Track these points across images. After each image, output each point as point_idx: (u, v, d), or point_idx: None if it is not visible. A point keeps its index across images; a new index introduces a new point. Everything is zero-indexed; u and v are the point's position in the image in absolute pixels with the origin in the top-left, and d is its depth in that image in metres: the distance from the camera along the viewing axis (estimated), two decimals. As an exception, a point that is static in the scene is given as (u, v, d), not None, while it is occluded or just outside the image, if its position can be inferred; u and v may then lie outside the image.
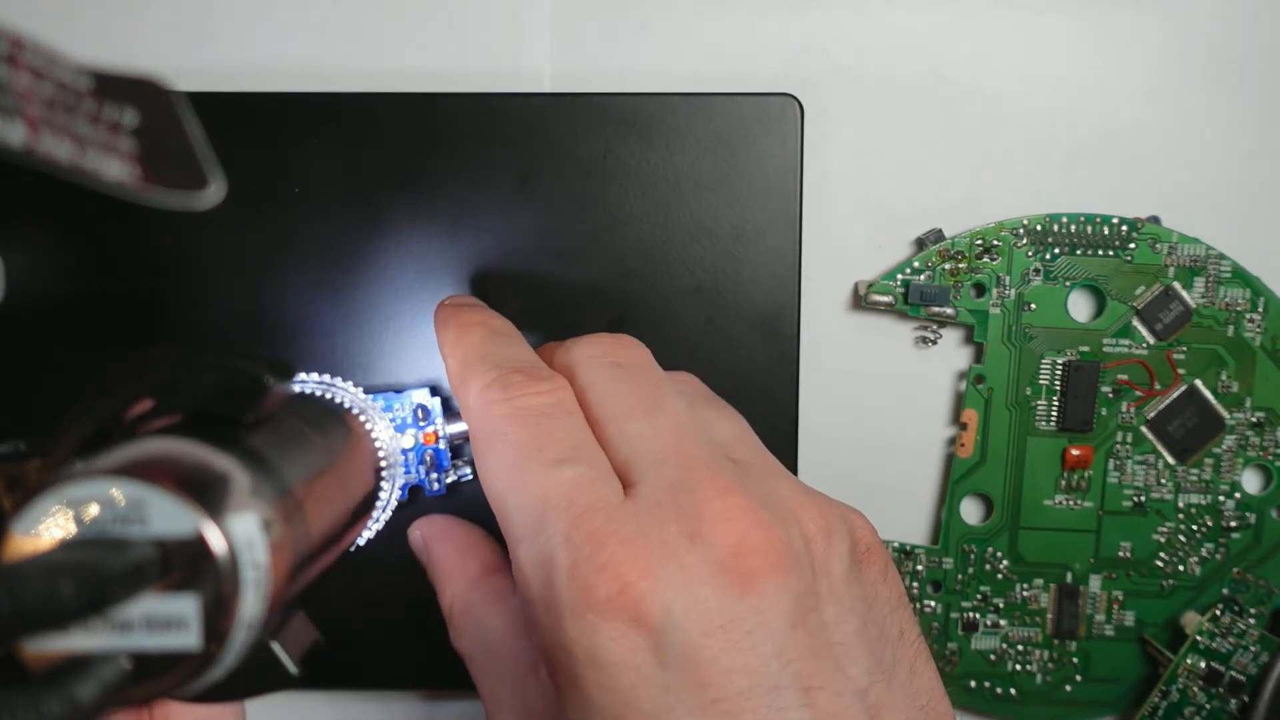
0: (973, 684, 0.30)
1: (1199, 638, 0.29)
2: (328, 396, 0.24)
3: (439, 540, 0.24)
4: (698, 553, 0.17)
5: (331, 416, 0.22)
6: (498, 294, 0.27)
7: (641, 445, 0.18)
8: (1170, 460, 0.29)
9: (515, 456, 0.18)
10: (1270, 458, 0.29)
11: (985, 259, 0.28)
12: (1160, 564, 0.30)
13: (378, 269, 0.27)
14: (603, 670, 0.16)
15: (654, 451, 0.18)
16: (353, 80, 0.29)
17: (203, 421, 0.17)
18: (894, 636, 0.18)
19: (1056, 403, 0.29)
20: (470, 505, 0.27)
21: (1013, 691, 0.30)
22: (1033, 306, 0.28)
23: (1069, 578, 0.30)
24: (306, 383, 0.25)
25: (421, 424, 0.26)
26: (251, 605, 0.15)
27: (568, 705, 0.17)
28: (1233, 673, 0.29)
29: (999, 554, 0.30)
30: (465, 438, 0.27)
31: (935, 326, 0.29)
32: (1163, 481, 0.29)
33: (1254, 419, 0.29)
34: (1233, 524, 0.29)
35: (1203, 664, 0.29)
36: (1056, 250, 0.28)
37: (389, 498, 0.24)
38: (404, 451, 0.26)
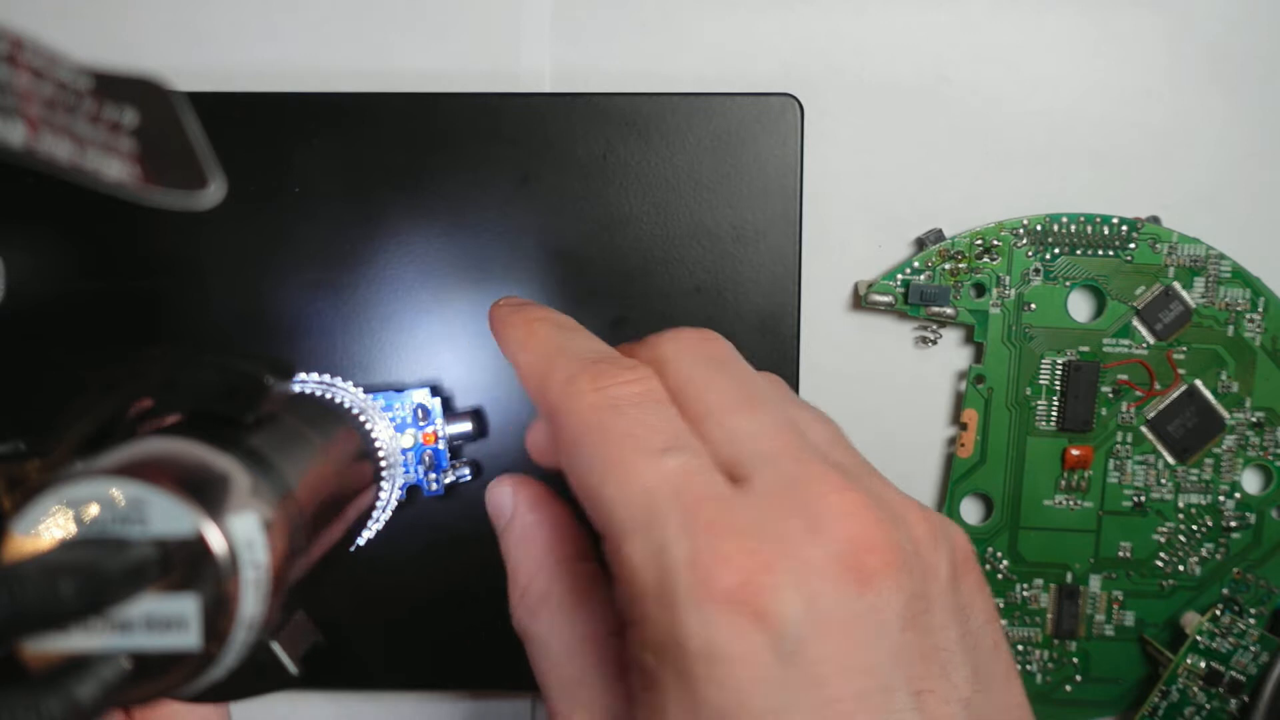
0: (973, 684, 0.30)
1: (1199, 638, 0.29)
2: (328, 396, 0.24)
3: (533, 508, 0.22)
4: (818, 548, 0.16)
5: (331, 416, 0.22)
6: (498, 294, 0.27)
7: (749, 440, 0.18)
8: (1170, 460, 0.29)
9: (613, 448, 0.17)
10: (1270, 458, 0.29)
11: (985, 259, 0.28)
12: (1160, 564, 0.30)
13: (378, 269, 0.27)
14: (718, 665, 0.16)
15: (762, 447, 0.18)
16: (353, 80, 0.29)
17: (203, 421, 0.17)
18: (988, 648, 0.18)
19: (1056, 403, 0.29)
20: (469, 506, 0.27)
21: (1013, 691, 0.30)
22: (1033, 306, 0.28)
23: (1069, 578, 0.30)
24: (306, 383, 0.25)
25: (421, 424, 0.26)
26: (251, 605, 0.15)
27: (669, 705, 0.16)
28: (1232, 673, 0.29)
29: (999, 554, 0.29)
30: (465, 438, 0.27)
31: (935, 326, 0.29)
32: (1163, 481, 0.29)
33: (1254, 419, 0.29)
34: (1232, 524, 0.29)
35: (1202, 664, 0.29)
36: (1056, 250, 0.28)
37: (388, 498, 0.24)
38: (403, 451, 0.26)
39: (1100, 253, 0.28)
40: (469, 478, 0.27)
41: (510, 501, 0.22)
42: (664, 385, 0.19)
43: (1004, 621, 0.30)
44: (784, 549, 0.16)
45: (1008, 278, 0.28)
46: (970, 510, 0.30)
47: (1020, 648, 0.30)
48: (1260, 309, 0.28)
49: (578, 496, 0.18)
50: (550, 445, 0.21)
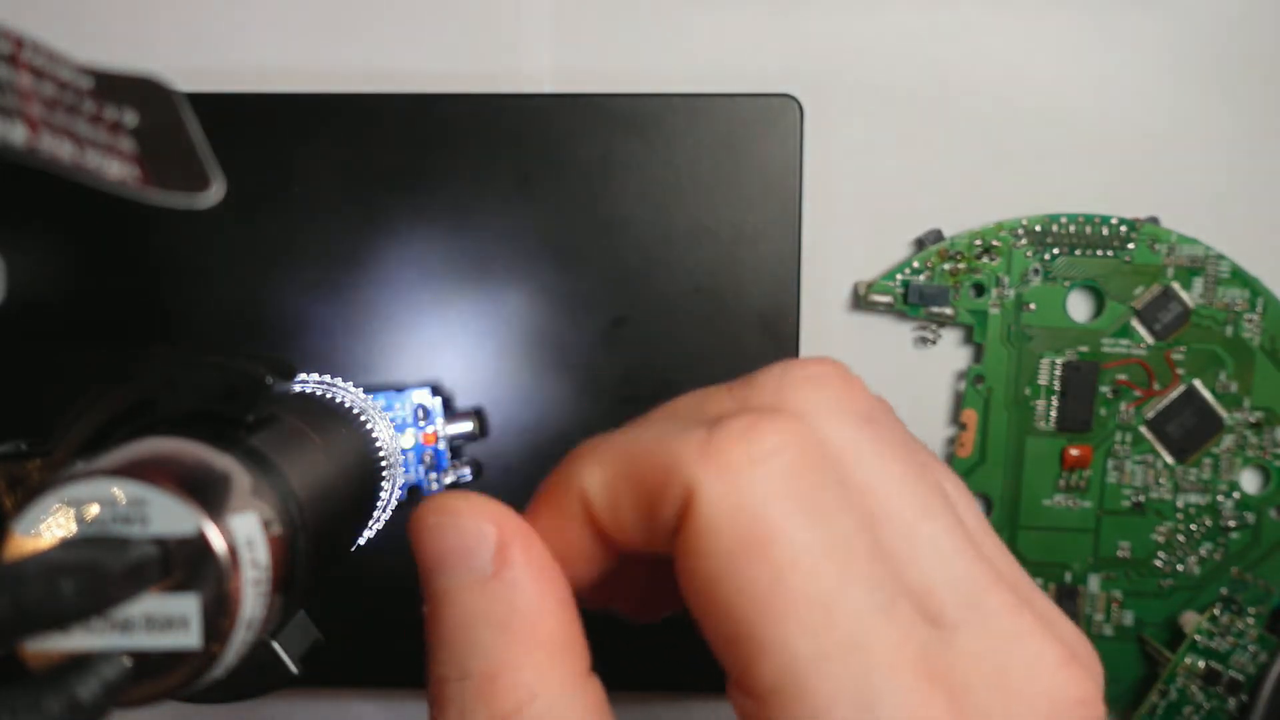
0: (972, 684, 0.30)
1: (1198, 637, 0.29)
2: (328, 396, 0.24)
3: (536, 566, 0.14)
4: (1036, 711, 0.14)
5: (332, 416, 0.23)
6: (498, 294, 0.27)
7: (939, 565, 0.14)
8: (1169, 460, 0.29)
9: (801, 573, 0.13)
10: (1269, 458, 0.29)
11: (985, 259, 0.28)
12: (1159, 564, 0.30)
13: (378, 269, 0.27)
14: None
15: (954, 575, 0.14)
16: (353, 81, 0.29)
17: (203, 421, 0.17)
18: None
19: (1055, 403, 0.29)
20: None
21: (1012, 691, 0.30)
22: (1032, 307, 0.29)
23: (1068, 577, 0.30)
24: (306, 383, 0.25)
25: (421, 424, 0.26)
26: (252, 605, 0.15)
27: None
28: (1231, 672, 0.29)
29: (998, 554, 0.30)
30: (465, 438, 0.27)
31: (935, 326, 0.29)
32: (1161, 481, 0.29)
33: (1252, 419, 0.29)
34: (1231, 524, 0.29)
35: (1201, 663, 0.29)
36: (1056, 250, 0.28)
37: (389, 498, 0.24)
38: (404, 451, 0.26)
39: (1099, 253, 0.28)
40: (470, 478, 0.27)
41: (492, 543, 0.14)
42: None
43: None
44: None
45: (1007, 278, 0.28)
46: (969, 510, 0.30)
47: (1019, 647, 0.30)
48: (1259, 309, 0.28)
49: (716, 632, 0.13)
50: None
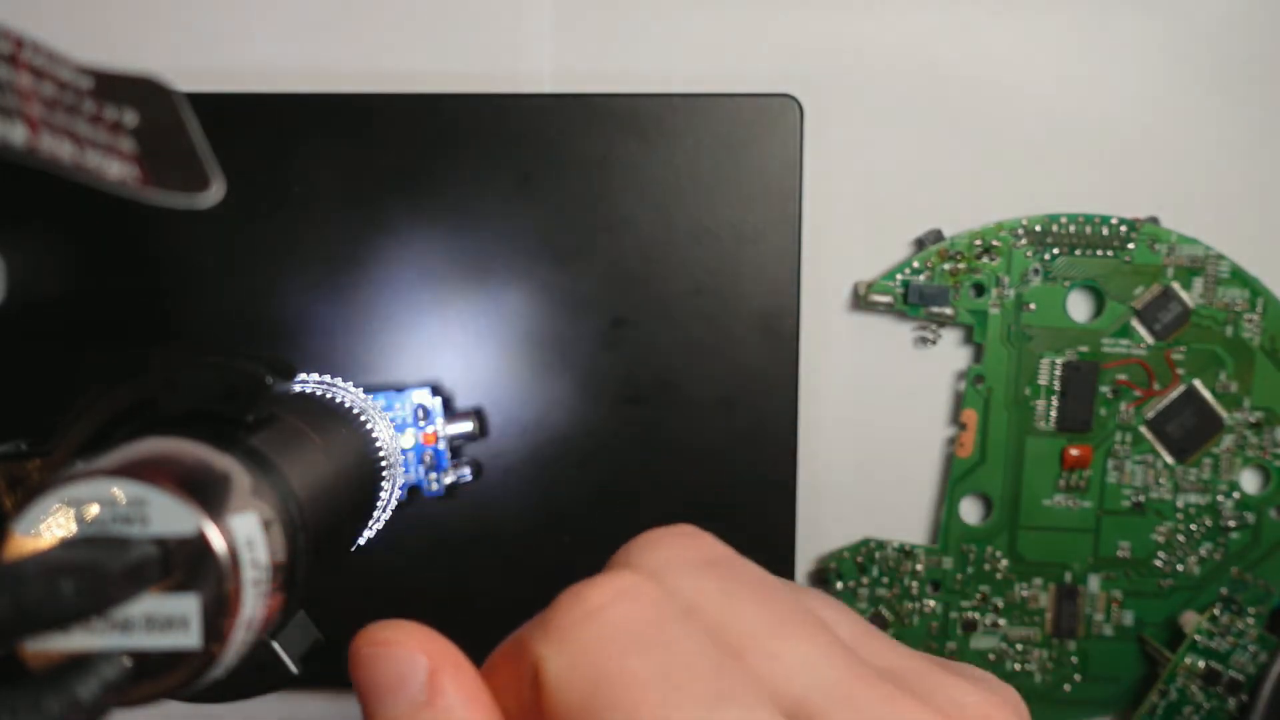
0: (972, 684, 0.30)
1: (1198, 637, 0.29)
2: (328, 396, 0.24)
3: (468, 694, 0.14)
4: None
5: (332, 416, 0.23)
6: (498, 294, 0.27)
7: (806, 673, 0.14)
8: (1169, 460, 0.29)
9: (650, 704, 0.12)
10: (1269, 458, 0.29)
11: (984, 259, 0.28)
12: (1159, 564, 0.30)
13: (378, 269, 0.27)
14: None
15: (824, 677, 0.14)
16: (353, 81, 0.29)
17: (203, 421, 0.17)
18: None
19: (1055, 403, 0.29)
20: (469, 506, 0.27)
21: (1012, 691, 0.30)
22: (1032, 307, 0.29)
23: (1068, 577, 0.30)
24: (306, 383, 0.25)
25: (421, 424, 0.26)
26: (252, 605, 0.15)
27: None
28: (1231, 672, 0.29)
29: (998, 553, 0.30)
30: (465, 438, 0.27)
31: (935, 326, 0.29)
32: (1161, 481, 0.29)
33: (1252, 419, 0.29)
34: (1231, 524, 0.29)
35: (1201, 663, 0.29)
36: (1055, 250, 0.28)
37: (388, 498, 0.24)
38: (404, 451, 0.26)
39: (1099, 253, 0.28)
40: (470, 478, 0.27)
41: (424, 673, 0.15)
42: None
43: (1003, 620, 0.30)
44: None
45: (1007, 278, 0.28)
46: (969, 510, 0.30)
47: (1019, 647, 0.30)
48: (1259, 309, 0.28)
49: None
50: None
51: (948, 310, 0.28)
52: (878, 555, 0.30)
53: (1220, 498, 0.29)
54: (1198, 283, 0.28)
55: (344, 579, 0.28)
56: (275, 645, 0.17)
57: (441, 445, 0.26)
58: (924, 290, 0.28)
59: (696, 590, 0.14)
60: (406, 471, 0.26)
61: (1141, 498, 0.29)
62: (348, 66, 0.29)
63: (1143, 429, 0.29)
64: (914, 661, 0.16)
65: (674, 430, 0.28)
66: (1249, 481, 0.30)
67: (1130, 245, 0.28)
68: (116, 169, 0.13)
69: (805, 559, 0.30)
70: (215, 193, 0.15)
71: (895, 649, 0.16)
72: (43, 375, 0.27)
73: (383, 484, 0.24)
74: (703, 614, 0.14)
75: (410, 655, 0.15)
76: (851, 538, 0.30)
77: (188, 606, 0.14)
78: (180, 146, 0.14)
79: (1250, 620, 0.29)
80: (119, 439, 0.16)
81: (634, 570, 0.14)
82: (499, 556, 0.28)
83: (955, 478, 0.29)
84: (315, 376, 0.25)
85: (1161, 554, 0.30)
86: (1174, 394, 0.29)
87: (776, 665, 0.14)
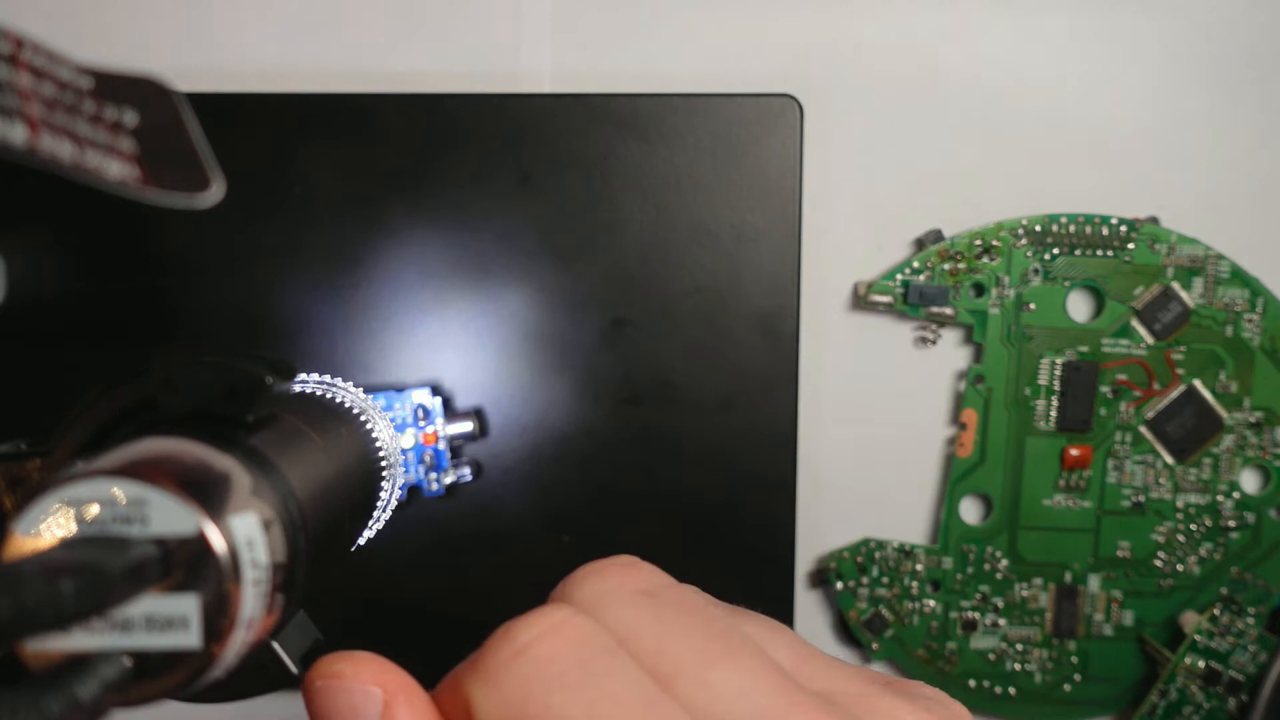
0: (972, 683, 0.30)
1: (1198, 637, 0.29)
2: (328, 396, 0.24)
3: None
4: None
5: (332, 416, 0.23)
6: (498, 294, 0.27)
7: (738, 701, 0.14)
8: (1169, 460, 0.29)
9: None
10: (1269, 458, 0.29)
11: (984, 259, 0.28)
12: (1159, 564, 0.30)
13: (378, 269, 0.27)
14: None
15: (756, 707, 0.14)
16: (353, 81, 0.29)
17: (203, 421, 0.17)
18: None
19: (1055, 403, 0.29)
20: (469, 506, 0.27)
21: (1012, 691, 0.30)
22: (1032, 307, 0.29)
23: (1068, 577, 0.30)
24: (306, 383, 0.25)
25: (421, 424, 0.26)
26: (252, 605, 0.15)
27: None
28: (1231, 672, 0.29)
29: (998, 553, 0.30)
30: (465, 438, 0.27)
31: (935, 326, 0.29)
32: (1161, 481, 0.29)
33: (1252, 419, 0.29)
34: (1231, 524, 0.29)
35: (1201, 663, 0.29)
36: (1055, 250, 0.28)
37: (388, 498, 0.24)
38: (404, 451, 0.26)
39: (1099, 253, 0.28)
40: (469, 478, 0.27)
41: (378, 704, 0.15)
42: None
43: (1003, 620, 0.30)
44: None
45: (1007, 278, 0.28)
46: (970, 510, 0.30)
47: (1019, 647, 0.30)
48: (1258, 309, 0.29)
49: None
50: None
51: (948, 310, 0.28)
52: (878, 555, 0.30)
53: (1220, 498, 0.29)
54: (1198, 283, 0.28)
55: (344, 579, 0.28)
56: (275, 645, 0.17)
57: (441, 445, 0.26)
58: (924, 290, 0.28)
59: (630, 621, 0.15)
60: (406, 471, 0.26)
61: (1141, 498, 0.29)
62: (348, 66, 0.29)
63: (1143, 429, 0.29)
64: (854, 684, 0.16)
65: (674, 430, 0.28)
66: (1249, 481, 0.30)
67: (1130, 245, 0.28)
68: (116, 169, 0.13)
69: (805, 559, 0.30)
70: (215, 193, 0.15)
71: (837, 672, 0.16)
72: (43, 375, 0.27)
73: (383, 484, 0.24)
74: (636, 644, 0.14)
75: (364, 688, 0.15)
76: (851, 538, 0.30)
77: (188, 606, 0.14)
78: (180, 146, 0.14)
79: (1250, 620, 0.29)
80: (119, 439, 0.16)
81: (567, 604, 0.14)
82: (499, 556, 0.28)
83: (955, 478, 0.29)
84: (315, 376, 0.25)
85: (1161, 554, 0.30)
86: (1174, 394, 0.29)
87: (708, 694, 0.14)
